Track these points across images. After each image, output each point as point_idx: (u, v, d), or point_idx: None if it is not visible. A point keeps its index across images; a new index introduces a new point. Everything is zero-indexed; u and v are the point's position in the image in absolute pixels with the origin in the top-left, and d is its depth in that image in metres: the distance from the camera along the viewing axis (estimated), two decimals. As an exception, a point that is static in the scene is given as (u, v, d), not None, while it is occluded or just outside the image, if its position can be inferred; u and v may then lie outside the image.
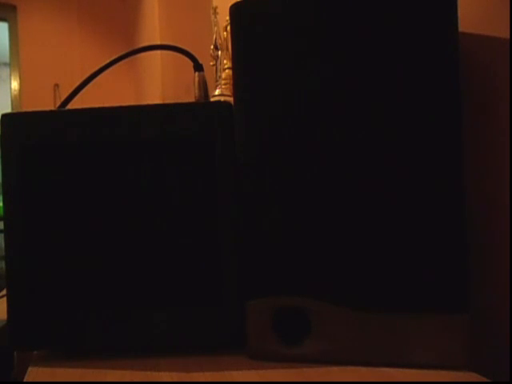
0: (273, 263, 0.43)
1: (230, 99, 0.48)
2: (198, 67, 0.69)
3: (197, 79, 0.70)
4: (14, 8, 3.08)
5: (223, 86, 0.95)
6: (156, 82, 2.44)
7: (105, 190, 0.46)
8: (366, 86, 0.41)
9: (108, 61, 0.66)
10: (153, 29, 2.45)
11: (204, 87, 0.70)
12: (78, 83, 0.65)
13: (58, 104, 0.64)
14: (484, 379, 0.39)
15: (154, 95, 2.53)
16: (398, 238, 0.41)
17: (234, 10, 0.45)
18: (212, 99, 0.87)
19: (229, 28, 0.89)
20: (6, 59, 3.20)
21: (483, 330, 0.46)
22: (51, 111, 0.47)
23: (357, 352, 0.42)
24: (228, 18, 0.46)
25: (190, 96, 0.76)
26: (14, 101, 3.09)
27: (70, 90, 0.65)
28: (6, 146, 0.46)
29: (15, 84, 3.10)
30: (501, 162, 0.45)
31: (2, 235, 0.46)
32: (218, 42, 1.01)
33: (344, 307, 0.42)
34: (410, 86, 0.41)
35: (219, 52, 1.01)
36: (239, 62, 0.45)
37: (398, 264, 0.41)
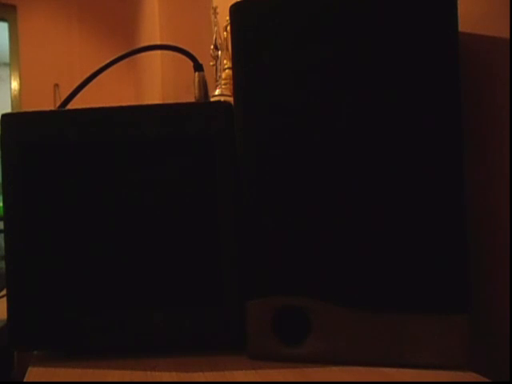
0: (273, 263, 0.43)
1: (230, 99, 0.48)
2: (198, 67, 0.69)
3: (197, 79, 0.70)
4: (14, 8, 3.08)
5: (223, 86, 0.95)
6: (156, 82, 2.44)
7: (104, 190, 0.46)
8: (366, 86, 0.41)
9: (108, 61, 0.66)
10: (153, 29, 2.45)
11: (204, 87, 0.70)
12: (78, 83, 0.65)
13: (58, 104, 0.64)
14: (484, 379, 0.39)
15: (154, 95, 2.53)
16: (397, 238, 0.41)
17: (234, 10, 0.45)
18: (212, 99, 0.87)
19: (229, 28, 0.89)
20: (6, 59, 3.20)
21: (483, 330, 0.46)
22: (51, 111, 0.47)
23: (357, 352, 0.42)
24: (228, 18, 0.46)
25: (190, 96, 0.75)
26: (14, 101, 3.09)
27: (70, 90, 0.65)
28: (5, 145, 0.46)
29: (15, 84, 3.10)
30: (501, 161, 0.45)
31: (2, 235, 0.46)
32: (218, 42, 1.01)
33: (344, 307, 0.42)
34: (410, 86, 0.41)
35: (219, 52, 1.00)
36: (239, 62, 0.45)
37: (398, 264, 0.41)
